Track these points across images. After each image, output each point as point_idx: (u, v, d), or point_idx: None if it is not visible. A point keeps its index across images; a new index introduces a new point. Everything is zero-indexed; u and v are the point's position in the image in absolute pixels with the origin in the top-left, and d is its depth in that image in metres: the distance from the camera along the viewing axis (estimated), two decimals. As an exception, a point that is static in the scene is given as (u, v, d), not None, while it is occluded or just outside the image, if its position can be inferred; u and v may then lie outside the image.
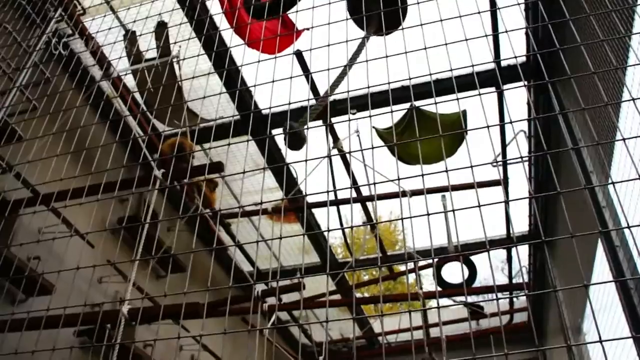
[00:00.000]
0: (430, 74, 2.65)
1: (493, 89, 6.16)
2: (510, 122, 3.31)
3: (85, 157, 3.70)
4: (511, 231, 8.53)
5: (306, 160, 2.46)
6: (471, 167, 2.18)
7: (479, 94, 2.39)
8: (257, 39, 5.38)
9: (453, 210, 2.37)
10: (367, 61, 2.83)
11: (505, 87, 5.84)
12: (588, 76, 2.80)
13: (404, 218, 2.24)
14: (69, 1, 5.00)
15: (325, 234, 8.85)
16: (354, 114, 5.81)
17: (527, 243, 9.95)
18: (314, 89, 6.46)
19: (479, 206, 2.01)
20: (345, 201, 7.46)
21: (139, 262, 5.11)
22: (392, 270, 9.69)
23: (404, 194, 5.63)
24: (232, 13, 5.05)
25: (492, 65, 6.30)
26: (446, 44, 2.60)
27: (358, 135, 6.73)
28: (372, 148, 2.59)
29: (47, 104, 3.76)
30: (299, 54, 5.81)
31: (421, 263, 7.50)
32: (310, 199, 7.54)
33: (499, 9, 2.67)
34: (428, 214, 2.15)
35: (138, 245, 4.39)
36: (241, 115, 6.61)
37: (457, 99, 2.58)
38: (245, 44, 4.53)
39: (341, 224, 8.35)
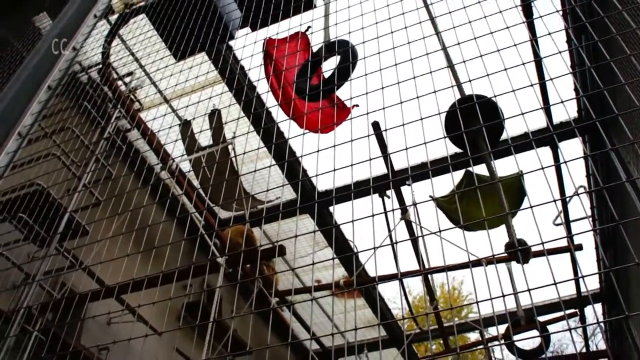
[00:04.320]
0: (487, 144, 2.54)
1: (548, 148, 6.00)
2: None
3: (147, 242, 3.70)
4: (582, 289, 8.07)
5: (374, 242, 2.36)
6: (538, 231, 2.03)
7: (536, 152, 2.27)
8: (312, 121, 5.42)
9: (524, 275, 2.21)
10: (424, 142, 2.74)
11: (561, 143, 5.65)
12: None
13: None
14: (125, 98, 5.17)
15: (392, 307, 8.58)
16: (409, 184, 5.70)
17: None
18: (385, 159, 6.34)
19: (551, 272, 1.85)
20: (412, 273, 7.23)
21: (203, 346, 5.02)
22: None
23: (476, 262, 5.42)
24: (287, 104, 5.12)
25: (543, 124, 6.21)
26: (504, 119, 2.51)
27: (416, 206, 6.58)
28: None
29: (110, 195, 3.80)
30: (376, 126, 5.72)
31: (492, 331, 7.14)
32: (371, 269, 7.36)
33: (551, 79, 2.56)
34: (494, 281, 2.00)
35: (210, 336, 4.30)
36: (301, 195, 6.61)
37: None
38: (303, 128, 4.54)
39: (406, 297, 8.09)
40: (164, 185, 5.62)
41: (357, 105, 5.61)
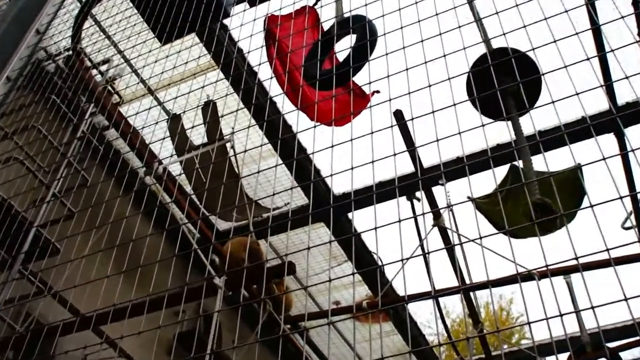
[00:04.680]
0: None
1: (611, 135, 5.92)
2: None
3: (130, 260, 3.69)
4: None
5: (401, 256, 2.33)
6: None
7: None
8: (324, 112, 5.41)
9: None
10: (459, 132, 2.71)
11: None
12: None
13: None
14: (102, 90, 5.18)
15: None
16: (442, 184, 5.66)
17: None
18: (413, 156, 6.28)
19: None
20: (450, 291, 7.15)
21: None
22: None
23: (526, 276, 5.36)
24: (295, 92, 5.17)
25: (605, 106, 6.14)
26: (553, 102, 2.46)
27: (451, 209, 6.54)
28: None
29: (85, 206, 3.81)
30: (399, 115, 5.69)
31: None
32: (399, 286, 7.33)
33: (612, 50, 2.52)
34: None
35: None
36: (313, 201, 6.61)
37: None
38: (313, 121, 4.52)
39: (443, 319, 8.03)
40: (150, 192, 5.63)
41: (377, 92, 5.60)
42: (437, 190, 6.78)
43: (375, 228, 2.46)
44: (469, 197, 5.93)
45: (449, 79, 2.99)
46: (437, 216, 6.86)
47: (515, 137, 4.19)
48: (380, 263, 7.38)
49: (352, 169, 2.81)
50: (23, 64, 3.39)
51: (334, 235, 7.10)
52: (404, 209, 7.01)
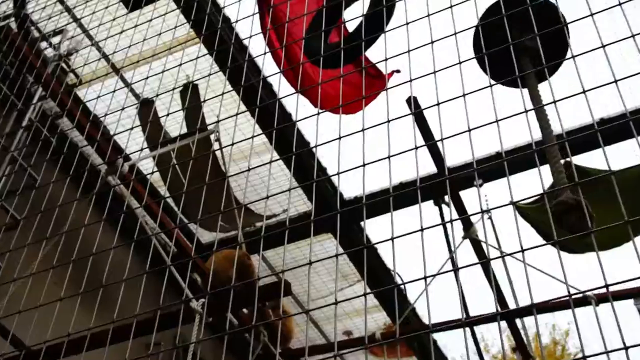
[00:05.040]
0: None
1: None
2: None
3: (90, 279, 3.64)
4: None
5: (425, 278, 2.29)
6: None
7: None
8: (331, 96, 5.36)
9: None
10: (496, 121, 2.66)
11: None
12: None
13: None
14: (54, 68, 5.12)
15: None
16: (480, 185, 5.60)
17: None
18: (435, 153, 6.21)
19: None
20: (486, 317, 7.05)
21: None
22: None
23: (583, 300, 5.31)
24: (294, 71, 5.16)
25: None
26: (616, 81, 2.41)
27: (490, 217, 6.48)
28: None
29: (34, 211, 3.83)
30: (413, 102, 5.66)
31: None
32: (423, 311, 7.27)
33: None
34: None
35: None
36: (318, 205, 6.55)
37: None
38: (317, 107, 4.46)
39: (480, 354, 7.95)
40: (115, 195, 5.57)
41: (397, 71, 5.56)
42: (468, 195, 6.72)
43: (392, 238, 2.42)
44: (511, 202, 5.83)
45: (484, 53, 2.96)
46: (468, 225, 6.79)
47: (535, 113, 4.08)
48: (399, 282, 7.32)
49: (363, 165, 2.77)
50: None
51: (342, 248, 7.05)
52: (429, 215, 6.95)
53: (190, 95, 5.56)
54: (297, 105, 3.56)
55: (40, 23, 5.21)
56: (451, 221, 6.68)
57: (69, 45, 5.33)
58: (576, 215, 3.90)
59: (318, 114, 3.29)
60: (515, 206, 6.05)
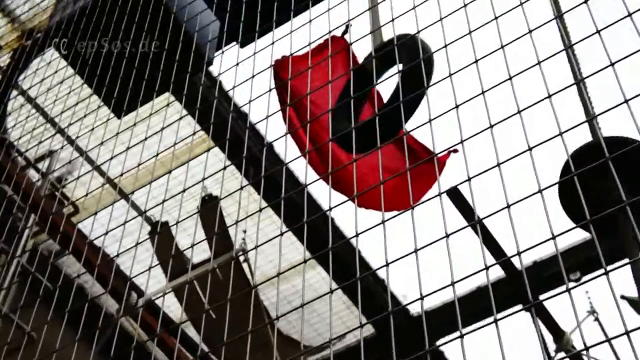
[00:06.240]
0: None
1: None
2: None
3: None
4: None
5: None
6: None
7: None
8: (373, 192, 4.74)
9: None
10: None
11: None
12: None
13: None
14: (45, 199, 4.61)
15: None
16: (576, 280, 4.94)
17: None
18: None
19: None
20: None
21: None
22: None
23: None
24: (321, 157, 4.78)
25: None
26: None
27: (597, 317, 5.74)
28: None
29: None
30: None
31: None
32: None
33: None
34: None
35: None
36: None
37: None
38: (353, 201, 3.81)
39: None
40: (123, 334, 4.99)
41: (454, 151, 5.06)
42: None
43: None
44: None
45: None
46: (558, 337, 6.04)
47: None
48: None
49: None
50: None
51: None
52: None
53: (210, 211, 5.04)
54: (329, 202, 2.85)
55: (22, 144, 4.70)
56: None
57: (61, 169, 4.90)
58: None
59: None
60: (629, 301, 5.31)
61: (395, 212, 2.73)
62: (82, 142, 4.45)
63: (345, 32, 4.86)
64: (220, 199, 4.74)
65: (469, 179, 2.25)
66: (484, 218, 2.24)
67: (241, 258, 5.10)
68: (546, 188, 2.11)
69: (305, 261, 4.18)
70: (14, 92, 4.56)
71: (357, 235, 2.46)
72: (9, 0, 4.91)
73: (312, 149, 4.90)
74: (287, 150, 4.25)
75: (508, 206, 2.04)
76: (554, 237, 2.01)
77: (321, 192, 5.98)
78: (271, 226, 5.61)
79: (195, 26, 4.15)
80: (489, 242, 5.16)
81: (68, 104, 4.14)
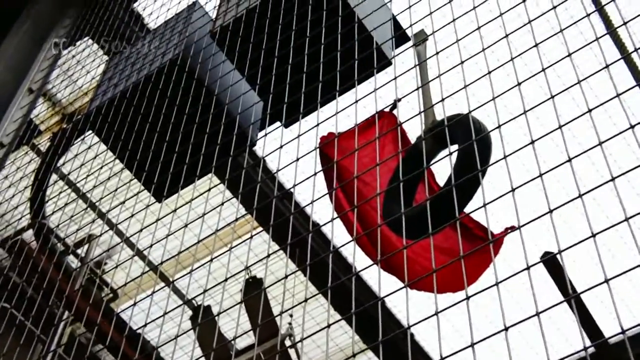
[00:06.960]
0: None
1: None
2: None
3: None
4: None
5: None
6: None
7: None
8: (423, 269, 4.71)
9: None
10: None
11: None
12: None
13: None
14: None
15: None
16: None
17: None
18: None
19: None
20: None
21: None
22: None
23: None
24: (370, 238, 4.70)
25: None
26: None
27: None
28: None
29: None
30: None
31: None
32: None
33: None
34: None
35: None
36: None
37: None
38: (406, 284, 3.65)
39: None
40: None
41: (511, 229, 4.96)
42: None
43: None
44: None
45: None
46: None
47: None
48: None
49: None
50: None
51: None
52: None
53: (255, 295, 4.86)
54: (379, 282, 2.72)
55: (60, 228, 4.56)
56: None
57: (101, 254, 4.74)
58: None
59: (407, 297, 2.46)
60: None
61: (449, 301, 2.57)
62: (121, 226, 4.36)
63: (393, 107, 4.78)
64: (264, 288, 4.61)
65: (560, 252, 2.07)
66: (581, 293, 2.06)
67: (287, 342, 4.88)
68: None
69: (354, 355, 3.97)
70: (54, 176, 4.50)
71: (409, 327, 2.30)
72: (49, 85, 4.88)
73: (363, 233, 4.78)
74: (335, 230, 4.14)
75: (607, 280, 1.84)
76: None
77: (370, 273, 5.82)
78: (319, 309, 5.41)
79: (238, 108, 4.04)
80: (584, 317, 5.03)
81: (108, 187, 4.06)
